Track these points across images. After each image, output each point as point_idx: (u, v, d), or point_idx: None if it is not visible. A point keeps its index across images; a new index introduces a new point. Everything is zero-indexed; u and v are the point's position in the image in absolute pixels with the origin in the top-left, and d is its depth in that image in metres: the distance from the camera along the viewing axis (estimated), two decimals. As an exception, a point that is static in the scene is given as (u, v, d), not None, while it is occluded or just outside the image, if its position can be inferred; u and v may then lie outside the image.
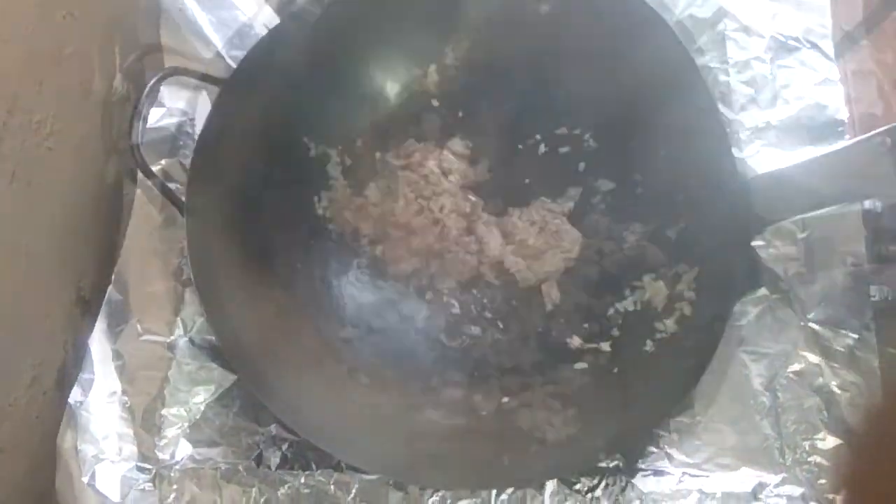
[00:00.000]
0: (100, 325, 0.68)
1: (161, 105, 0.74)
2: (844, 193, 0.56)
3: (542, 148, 0.74)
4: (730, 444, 0.62)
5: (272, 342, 0.64)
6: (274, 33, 0.69)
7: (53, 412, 0.65)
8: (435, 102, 0.75)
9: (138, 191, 0.72)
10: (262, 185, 0.69)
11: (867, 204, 0.64)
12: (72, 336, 0.70)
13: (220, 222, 0.65)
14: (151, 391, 0.66)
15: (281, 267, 0.69)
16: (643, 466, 0.62)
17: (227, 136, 0.66)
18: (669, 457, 0.62)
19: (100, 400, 0.65)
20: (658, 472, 0.62)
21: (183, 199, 0.64)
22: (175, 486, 0.63)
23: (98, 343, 0.67)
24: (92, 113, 0.73)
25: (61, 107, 0.66)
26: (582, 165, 0.74)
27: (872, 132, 0.49)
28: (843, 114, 0.72)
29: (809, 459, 0.61)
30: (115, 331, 0.68)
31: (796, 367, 0.64)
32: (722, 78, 0.74)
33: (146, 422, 0.65)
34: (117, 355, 0.67)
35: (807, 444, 0.62)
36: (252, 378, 0.61)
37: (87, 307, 0.71)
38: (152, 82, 0.63)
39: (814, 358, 0.64)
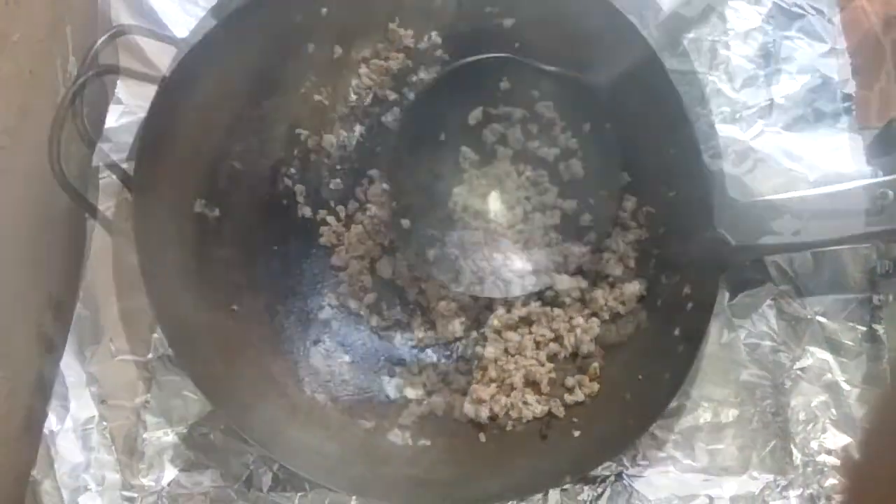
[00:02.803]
0: (70, 347, 0.63)
1: (119, 102, 0.68)
2: (833, 239, 0.52)
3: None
4: (736, 445, 0.61)
5: (228, 332, 0.61)
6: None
7: (37, 425, 0.62)
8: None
9: (103, 181, 0.67)
10: (227, 157, 0.64)
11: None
12: (47, 342, 0.66)
13: (176, 198, 0.61)
14: (131, 415, 0.62)
15: (231, 285, 0.64)
16: (648, 472, 0.60)
17: (188, 101, 0.60)
18: (675, 461, 0.61)
19: (76, 428, 0.61)
20: (664, 477, 0.60)
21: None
22: (162, 514, 0.60)
23: (69, 366, 0.63)
24: (45, 102, 0.66)
25: (9, 99, 0.61)
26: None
27: (874, 180, 0.45)
28: (851, 87, 0.68)
29: (818, 459, 0.60)
30: (86, 352, 0.63)
31: (803, 363, 0.62)
32: (722, 52, 0.70)
33: (127, 447, 0.61)
34: (91, 379, 0.63)
35: (815, 443, 0.60)
36: (200, 373, 0.57)
37: (60, 310, 0.67)
38: (100, 41, 0.56)
39: (821, 353, 0.63)
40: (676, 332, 0.59)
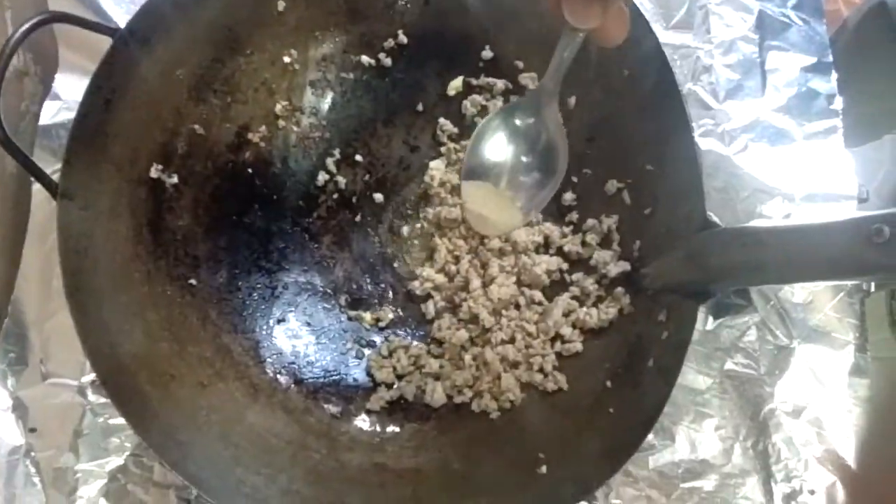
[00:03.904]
0: (-4, 367, 0.58)
1: (56, 98, 0.62)
2: (821, 273, 0.48)
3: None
4: (730, 459, 0.59)
5: (162, 353, 0.55)
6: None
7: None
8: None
9: (36, 187, 0.62)
10: (188, 119, 0.60)
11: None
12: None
13: (129, 161, 0.56)
14: (62, 444, 0.57)
15: (189, 257, 0.60)
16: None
17: (120, 98, 0.55)
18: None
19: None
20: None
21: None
22: (95, 557, 0.55)
23: (-6, 390, 0.57)
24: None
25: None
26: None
27: (867, 214, 0.41)
28: (838, 103, 0.65)
29: (811, 467, 0.59)
30: (14, 373, 0.58)
31: (795, 374, 0.61)
32: (706, 61, 0.67)
33: (58, 481, 0.56)
34: (18, 404, 0.57)
35: (809, 452, 0.59)
36: (128, 404, 0.50)
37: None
38: (27, 26, 0.49)
39: (811, 363, 0.61)
40: (661, 317, 0.54)
